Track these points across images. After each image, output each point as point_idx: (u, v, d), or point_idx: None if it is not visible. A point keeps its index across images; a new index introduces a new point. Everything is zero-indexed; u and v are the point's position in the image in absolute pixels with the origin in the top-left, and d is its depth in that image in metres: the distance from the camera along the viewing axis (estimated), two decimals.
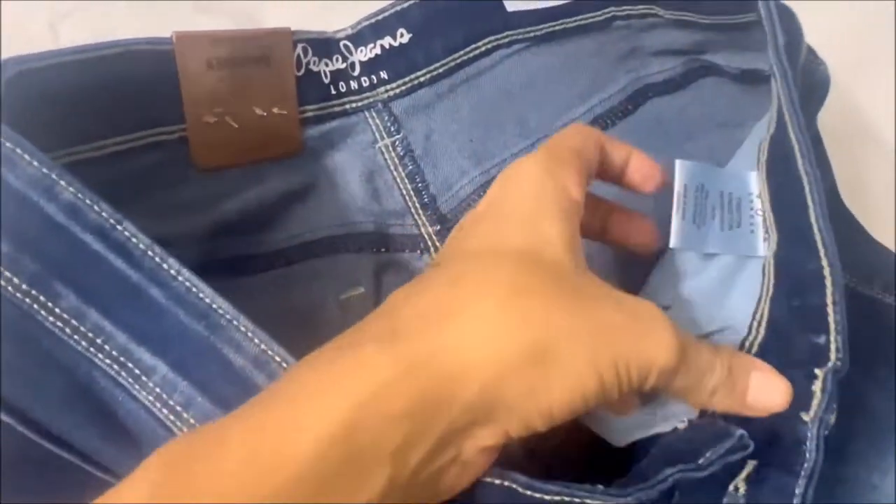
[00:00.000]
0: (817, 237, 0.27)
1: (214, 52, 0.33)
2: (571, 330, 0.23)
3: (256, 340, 0.26)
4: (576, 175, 0.28)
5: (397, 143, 0.39)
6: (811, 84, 0.36)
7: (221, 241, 0.36)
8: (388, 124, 0.38)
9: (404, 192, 0.39)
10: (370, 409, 0.21)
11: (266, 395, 0.23)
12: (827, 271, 0.27)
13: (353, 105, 0.38)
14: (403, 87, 0.38)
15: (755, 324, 0.29)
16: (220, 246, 0.36)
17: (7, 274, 0.25)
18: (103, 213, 0.25)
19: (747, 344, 0.29)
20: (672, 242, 0.31)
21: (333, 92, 0.37)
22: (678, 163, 0.32)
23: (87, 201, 0.25)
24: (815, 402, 0.26)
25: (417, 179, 0.39)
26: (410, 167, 0.39)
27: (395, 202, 0.39)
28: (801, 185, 0.28)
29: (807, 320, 0.27)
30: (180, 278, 0.26)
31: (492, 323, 0.23)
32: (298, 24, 0.36)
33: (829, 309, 0.26)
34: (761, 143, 0.31)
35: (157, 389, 0.26)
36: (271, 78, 0.34)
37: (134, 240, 0.26)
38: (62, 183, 0.25)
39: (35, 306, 0.25)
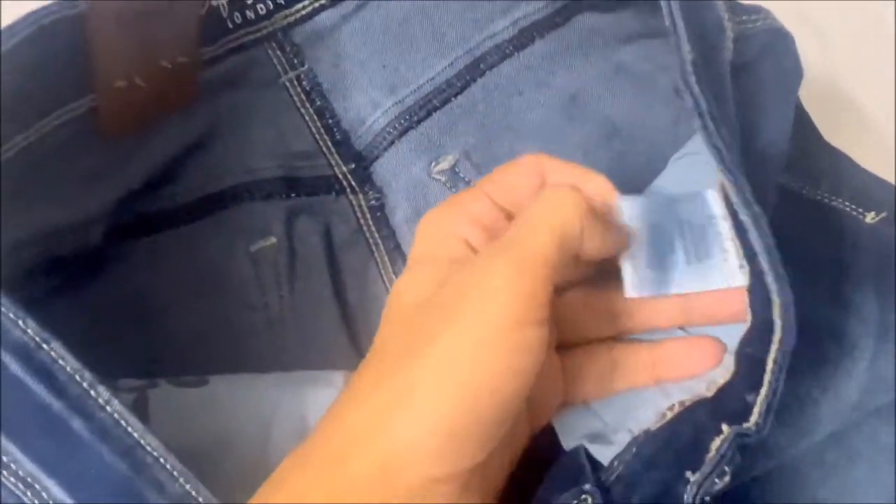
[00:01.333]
0: (770, 286, 0.24)
1: (121, 7, 0.30)
2: (421, 373, 0.23)
3: (182, 481, 0.24)
4: (545, 282, 0.25)
5: (302, 76, 0.36)
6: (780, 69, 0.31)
7: (127, 204, 0.34)
8: (291, 56, 0.35)
9: (314, 130, 0.36)
10: None
11: None
12: (778, 326, 0.24)
13: (250, 38, 0.34)
14: (303, 12, 0.35)
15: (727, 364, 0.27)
16: (125, 210, 0.34)
17: None
18: (29, 331, 0.23)
19: (708, 386, 0.27)
20: (628, 293, 0.28)
21: (230, 26, 0.33)
22: (620, 199, 0.28)
23: (12, 316, 0.23)
24: (707, 459, 0.24)
25: (327, 115, 0.36)
26: (319, 102, 0.36)
27: (304, 142, 0.36)
28: (745, 230, 0.24)
29: (750, 375, 0.25)
30: (108, 409, 0.24)
31: (366, 403, 0.24)
32: None
33: (769, 367, 0.24)
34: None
35: None
36: (176, 24, 0.31)
37: (60, 362, 0.23)
38: None
39: None
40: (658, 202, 0.29)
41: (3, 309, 0.23)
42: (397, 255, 0.36)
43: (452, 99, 0.37)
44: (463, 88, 0.37)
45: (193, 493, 0.24)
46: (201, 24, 0.32)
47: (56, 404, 0.23)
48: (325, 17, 0.35)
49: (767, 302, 0.24)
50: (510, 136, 0.38)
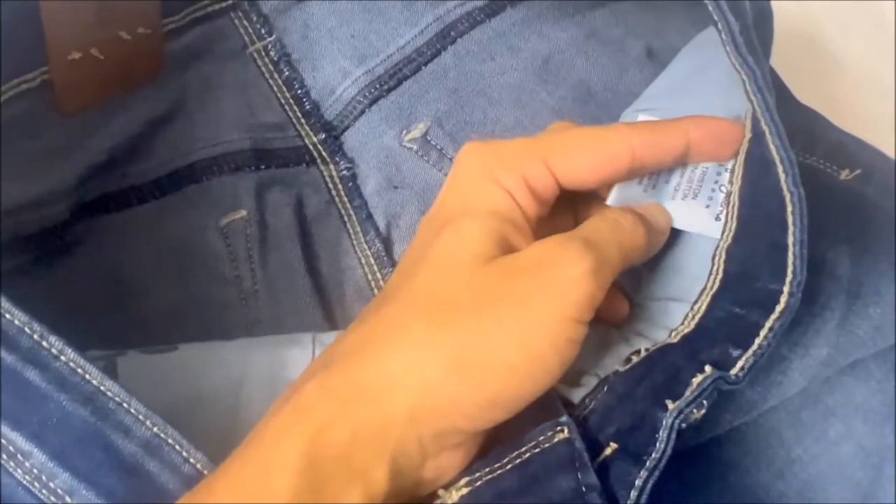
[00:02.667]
0: (790, 263, 0.25)
1: None
2: (484, 335, 0.24)
3: (149, 423, 0.24)
4: (519, 180, 0.27)
5: (270, 46, 0.35)
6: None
7: (92, 182, 0.33)
8: (258, 26, 0.35)
9: (282, 100, 0.36)
10: (320, 442, 0.23)
11: (238, 450, 0.24)
12: (784, 298, 0.25)
13: (216, 7, 0.34)
14: None
15: (690, 314, 0.27)
16: (90, 187, 0.33)
17: None
18: None
19: (672, 334, 0.27)
20: (610, 199, 0.28)
21: None
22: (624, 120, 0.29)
23: None
24: (686, 393, 0.25)
25: (296, 86, 0.36)
26: (287, 73, 0.36)
27: (273, 114, 0.36)
28: (783, 202, 0.25)
29: (735, 332, 0.26)
30: (63, 358, 0.24)
31: (410, 346, 0.24)
32: None
33: (763, 332, 0.25)
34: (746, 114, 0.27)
35: (36, 471, 0.23)
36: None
37: (7, 316, 0.24)
38: None
39: None
40: None
41: None
42: (369, 225, 0.36)
43: (423, 67, 0.37)
44: (433, 56, 0.37)
45: (162, 434, 0.24)
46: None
47: (8, 357, 0.24)
48: None
49: (781, 274, 0.25)
50: (483, 101, 0.37)
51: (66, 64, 0.30)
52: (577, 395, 0.27)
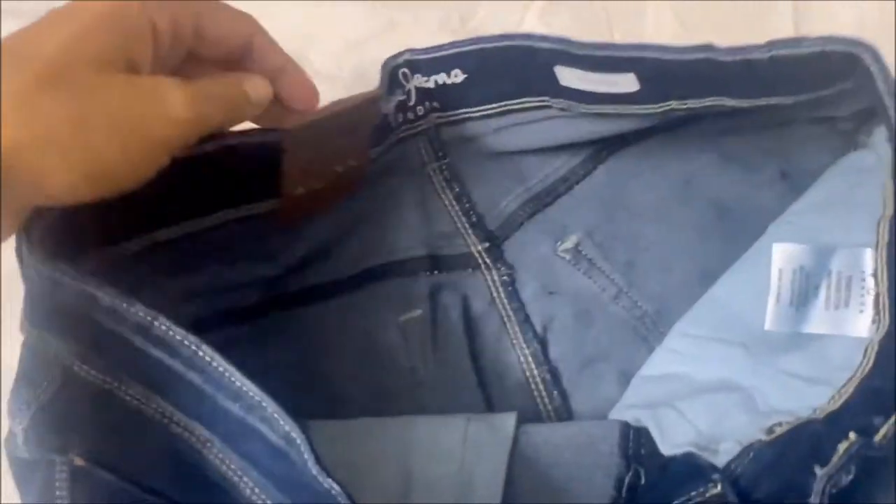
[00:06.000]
0: None
1: (313, 135, 0.34)
2: (74, 121, 0.26)
3: (281, 422, 0.28)
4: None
5: (444, 167, 0.40)
6: None
7: (289, 278, 0.39)
8: (437, 150, 0.39)
9: (453, 213, 0.41)
10: None
11: None
12: None
13: (408, 133, 0.39)
14: (454, 118, 0.39)
15: (836, 396, 0.29)
16: (287, 282, 0.39)
17: (85, 367, 0.29)
18: (139, 313, 0.28)
19: (816, 411, 0.29)
20: (767, 325, 0.31)
21: (394, 125, 0.38)
22: (775, 246, 0.32)
23: (125, 305, 0.28)
24: (833, 459, 0.27)
25: (464, 201, 0.40)
26: (458, 189, 0.40)
27: (445, 224, 0.40)
28: None
29: (878, 403, 0.28)
30: (214, 364, 0.28)
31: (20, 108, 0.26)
32: None
33: None
34: (879, 222, 0.30)
35: (220, 456, 0.29)
36: (355, 140, 0.36)
37: (171, 332, 0.28)
38: (99, 293, 0.28)
39: (114, 389, 0.29)
40: (812, 251, 0.32)
41: (117, 300, 0.28)
42: (527, 326, 0.40)
43: (576, 185, 0.41)
44: (586, 175, 0.41)
45: (293, 433, 0.27)
46: (373, 132, 0.36)
47: (175, 364, 0.28)
48: (471, 126, 0.39)
49: None
50: (627, 215, 0.41)
51: (293, 197, 0.35)
52: (720, 460, 0.30)
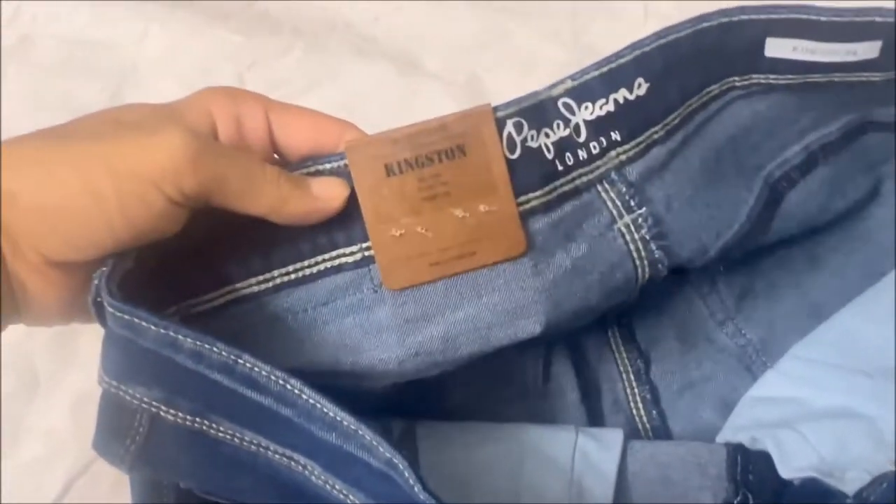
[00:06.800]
0: None
1: (394, 154, 0.30)
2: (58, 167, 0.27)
3: (381, 449, 0.27)
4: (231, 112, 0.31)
5: (640, 219, 0.32)
6: None
7: (420, 361, 0.33)
8: (626, 197, 0.32)
9: (641, 281, 0.33)
10: None
11: None
12: None
13: (584, 179, 0.32)
14: (638, 148, 0.32)
15: None
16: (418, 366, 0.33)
17: (171, 412, 0.29)
18: (223, 353, 0.27)
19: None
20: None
21: (560, 168, 0.31)
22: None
23: (206, 346, 0.27)
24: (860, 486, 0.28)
25: (659, 266, 0.33)
26: (657, 252, 0.33)
27: (633, 290, 0.34)
28: None
29: None
30: (304, 396, 0.27)
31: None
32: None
33: None
34: None
35: (323, 478, 0.28)
36: (471, 170, 0.30)
37: (256, 369, 0.27)
38: (180, 337, 0.27)
39: (204, 428, 0.29)
40: None
41: (199, 341, 0.27)
42: (633, 345, 0.40)
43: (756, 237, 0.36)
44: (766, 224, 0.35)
45: (394, 459, 0.26)
46: (511, 169, 0.30)
47: (266, 401, 0.28)
48: (656, 153, 0.33)
49: None
50: None
51: (387, 240, 0.30)
52: (847, 489, 0.31)
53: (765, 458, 0.34)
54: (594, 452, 0.36)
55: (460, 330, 0.32)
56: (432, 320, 0.32)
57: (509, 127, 0.30)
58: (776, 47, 0.32)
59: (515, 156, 0.31)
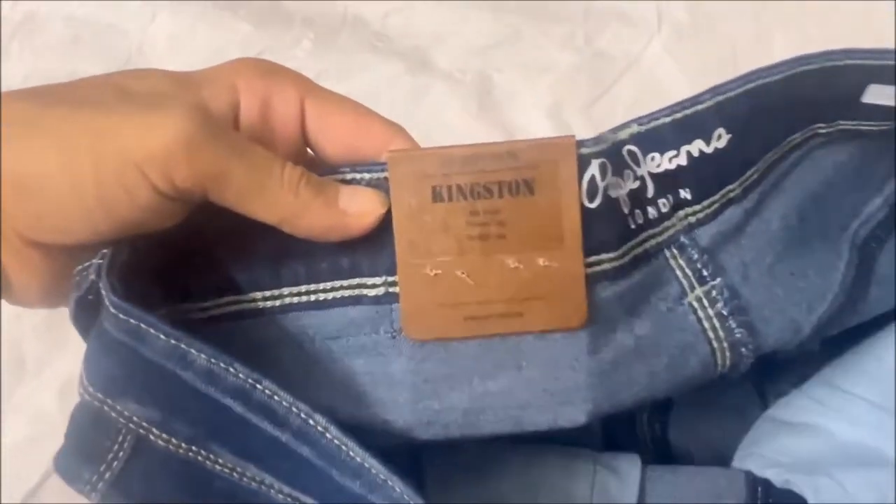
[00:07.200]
0: None
1: (446, 176, 0.25)
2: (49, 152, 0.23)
3: (412, 503, 0.23)
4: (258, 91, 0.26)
5: (714, 291, 0.28)
6: None
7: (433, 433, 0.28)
8: (698, 265, 0.28)
9: (721, 367, 0.28)
10: None
11: None
12: None
13: (653, 241, 0.27)
14: (711, 209, 0.27)
15: None
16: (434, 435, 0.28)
17: (164, 436, 0.25)
18: (240, 375, 0.24)
19: None
20: None
21: (633, 226, 0.27)
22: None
23: (222, 365, 0.24)
24: None
25: (743, 351, 0.28)
26: (738, 332, 0.28)
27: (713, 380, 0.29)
28: None
29: None
30: (328, 436, 0.24)
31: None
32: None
33: None
34: None
35: None
36: (537, 212, 0.25)
37: (276, 398, 0.24)
38: (193, 351, 0.24)
39: (199, 458, 0.25)
40: None
41: (214, 358, 0.24)
42: None
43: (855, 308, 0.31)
44: (863, 291, 0.30)
45: None
46: (585, 219, 0.25)
47: (283, 436, 0.24)
48: (730, 214, 0.28)
49: None
50: None
51: (418, 278, 0.26)
52: None
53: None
54: (613, 488, 0.33)
55: (488, 404, 0.27)
56: (456, 387, 0.27)
57: (594, 168, 0.25)
58: (877, 94, 0.27)
59: (594, 205, 0.25)
